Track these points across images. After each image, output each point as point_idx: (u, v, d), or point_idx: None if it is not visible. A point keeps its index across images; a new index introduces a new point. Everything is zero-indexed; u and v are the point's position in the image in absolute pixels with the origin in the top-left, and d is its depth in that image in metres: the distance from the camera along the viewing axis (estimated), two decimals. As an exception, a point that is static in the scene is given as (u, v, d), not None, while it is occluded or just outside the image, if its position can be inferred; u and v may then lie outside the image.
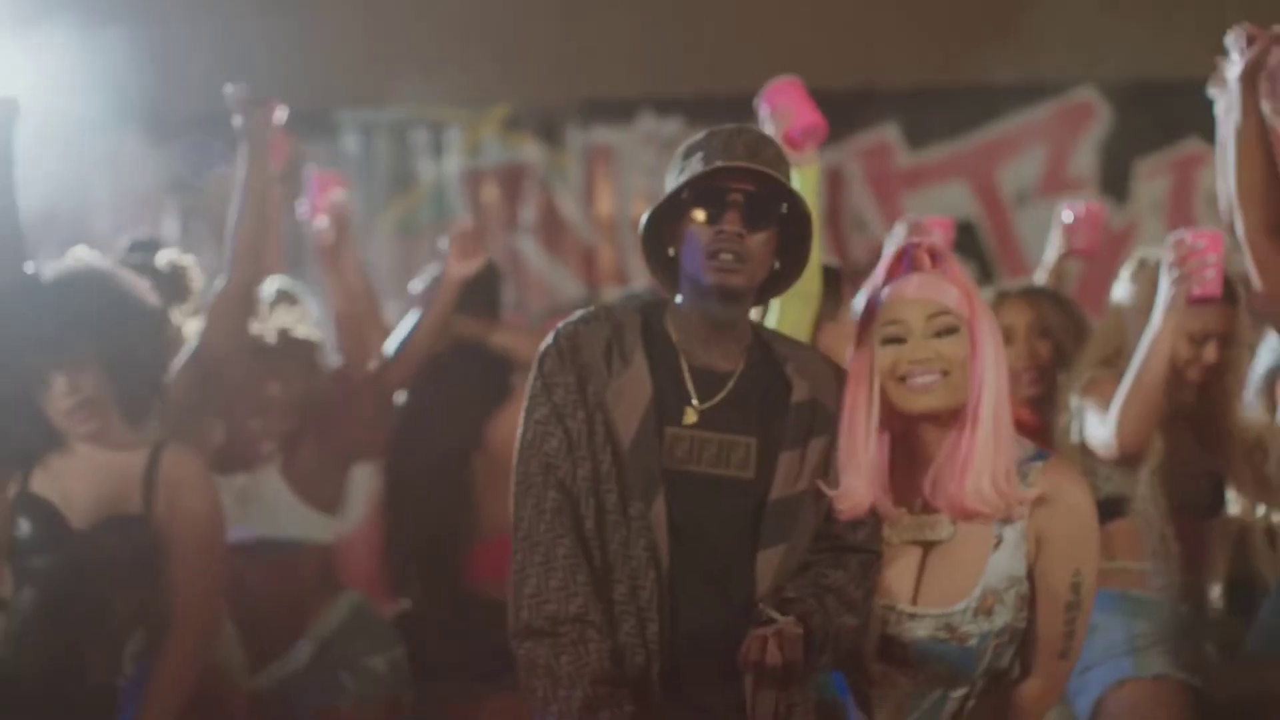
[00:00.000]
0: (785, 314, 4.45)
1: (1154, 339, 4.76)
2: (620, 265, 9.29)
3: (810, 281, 4.48)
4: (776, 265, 3.63)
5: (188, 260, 5.23)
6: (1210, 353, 4.98)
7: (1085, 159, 9.07)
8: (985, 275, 8.54)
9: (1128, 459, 4.95)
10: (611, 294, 9.09)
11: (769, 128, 4.68)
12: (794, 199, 3.57)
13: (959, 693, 3.69)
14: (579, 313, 3.72)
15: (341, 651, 5.24)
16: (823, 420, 3.62)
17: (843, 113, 8.98)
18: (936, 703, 3.70)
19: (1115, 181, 8.96)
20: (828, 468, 3.62)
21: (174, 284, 5.13)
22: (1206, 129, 5.12)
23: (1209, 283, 4.67)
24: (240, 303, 5.07)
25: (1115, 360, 5.10)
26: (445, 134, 9.27)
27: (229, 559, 4.75)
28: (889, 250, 3.79)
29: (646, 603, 3.53)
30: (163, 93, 8.50)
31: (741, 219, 3.51)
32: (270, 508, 5.24)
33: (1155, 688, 5.02)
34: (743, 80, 9.05)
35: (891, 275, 3.73)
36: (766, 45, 9.04)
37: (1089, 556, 3.68)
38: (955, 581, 3.65)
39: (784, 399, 3.61)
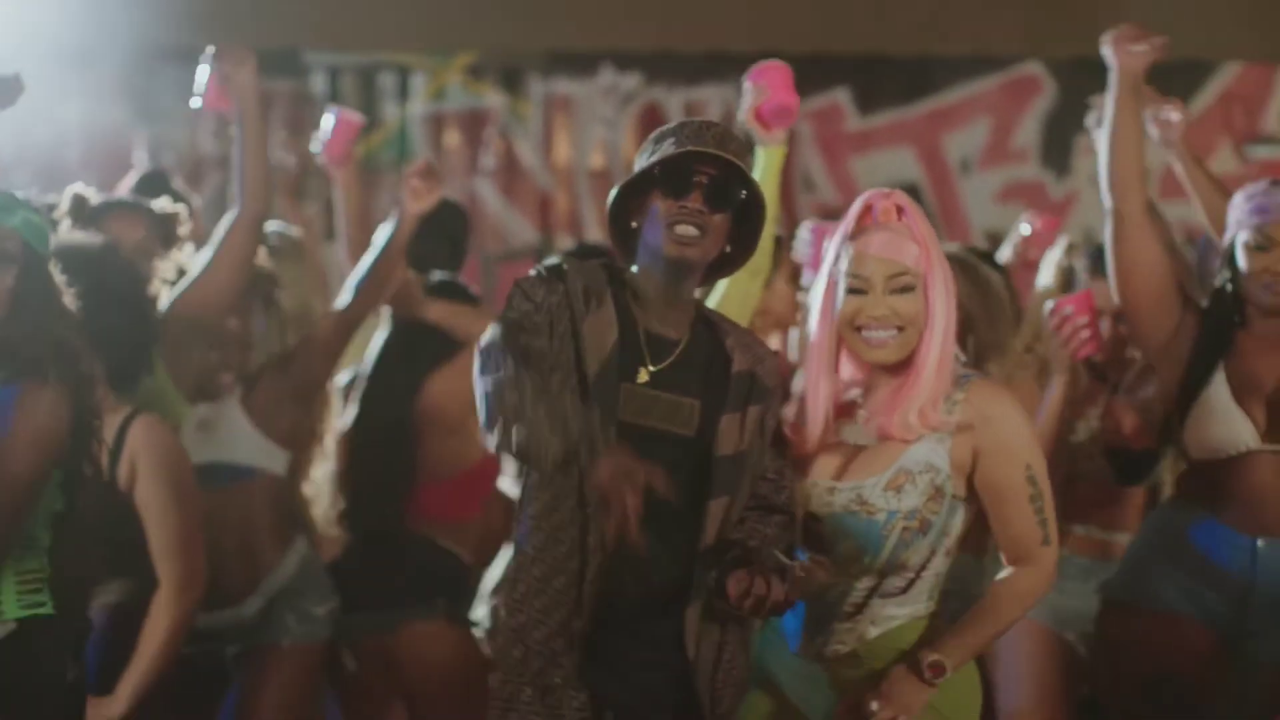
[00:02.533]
0: (734, 283, 4.74)
1: (1053, 397, 5.09)
2: (575, 213, 9.48)
3: (762, 256, 4.71)
4: (728, 249, 3.89)
5: (179, 207, 5.31)
6: (1106, 326, 5.26)
7: (1028, 131, 9.28)
8: (927, 239, 8.70)
9: None
10: (565, 241, 9.25)
11: (747, 100, 4.94)
12: (753, 188, 3.84)
13: (865, 584, 3.92)
14: (549, 259, 3.98)
15: (288, 599, 5.39)
16: (759, 392, 3.88)
17: (797, 75, 9.20)
18: (844, 592, 3.94)
19: (1056, 154, 9.17)
20: (763, 432, 3.89)
21: (164, 230, 5.25)
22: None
23: (1087, 343, 5.01)
24: (250, 234, 5.18)
25: (1035, 346, 5.39)
26: (410, 78, 9.44)
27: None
28: (859, 203, 3.99)
29: (595, 543, 3.76)
30: (134, 26, 8.61)
31: (704, 199, 3.77)
32: (229, 436, 5.36)
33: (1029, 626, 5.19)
34: (700, 40, 9.31)
35: (861, 225, 3.96)
36: (725, 7, 9.26)
37: (1032, 451, 3.92)
38: (874, 465, 3.92)
39: (725, 368, 3.87)
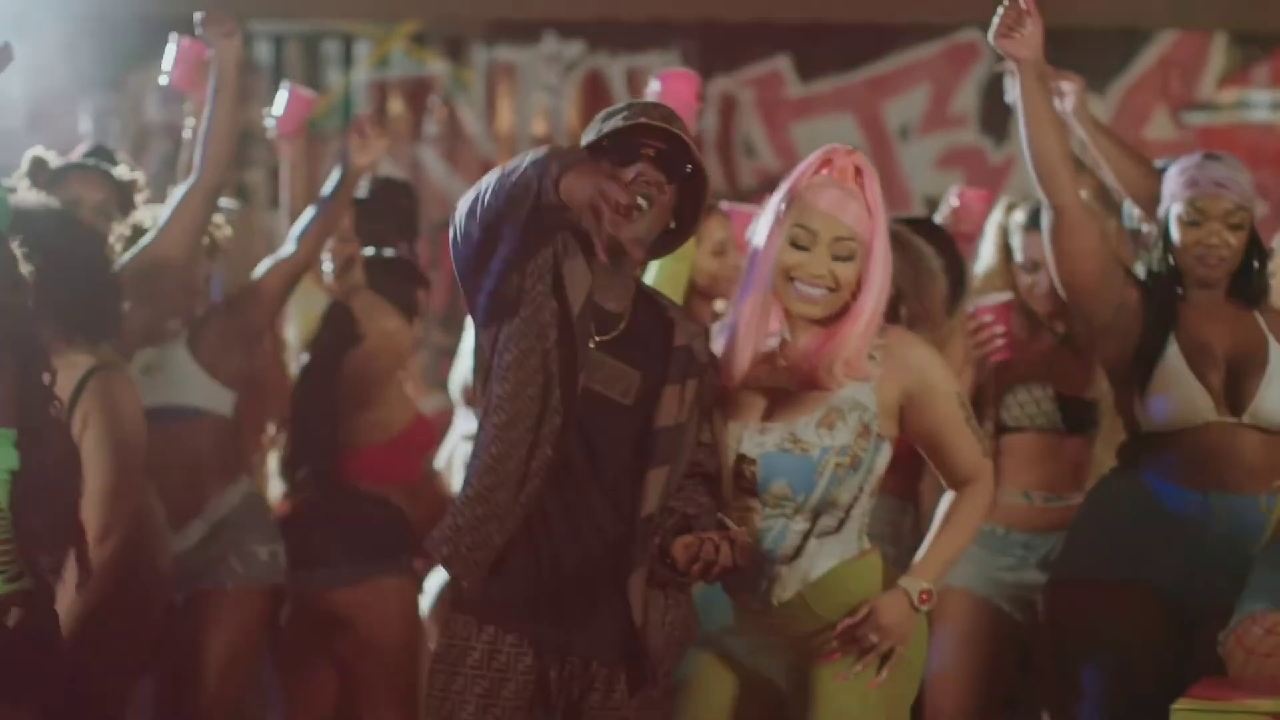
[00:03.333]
0: (663, 267, 4.84)
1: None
2: (518, 180, 9.52)
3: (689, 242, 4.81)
4: (672, 224, 3.97)
5: (138, 175, 5.37)
6: (1044, 280, 5.35)
7: (967, 97, 9.36)
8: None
9: None
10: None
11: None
12: (698, 163, 3.91)
13: (799, 525, 4.01)
14: None
15: (231, 536, 5.46)
16: (695, 366, 3.97)
17: (738, 42, 9.28)
18: (778, 535, 4.02)
19: (995, 120, 9.23)
20: (699, 403, 3.97)
21: (122, 194, 5.31)
22: (1083, 75, 5.45)
23: (1000, 350, 5.21)
24: (205, 203, 5.25)
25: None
26: (354, 46, 9.48)
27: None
28: (820, 153, 4.05)
29: (538, 466, 3.84)
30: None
31: (652, 171, 3.84)
32: (174, 377, 5.44)
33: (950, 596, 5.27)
34: (643, 8, 9.36)
35: (815, 175, 4.01)
36: (668, -25, 9.31)
37: (953, 379, 4.09)
38: (802, 406, 4.01)
39: (667, 342, 3.96)
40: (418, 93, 9.52)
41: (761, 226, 4.05)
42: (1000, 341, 5.22)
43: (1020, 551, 5.38)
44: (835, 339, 3.98)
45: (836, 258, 3.98)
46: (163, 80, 5.31)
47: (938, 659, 5.23)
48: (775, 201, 4.03)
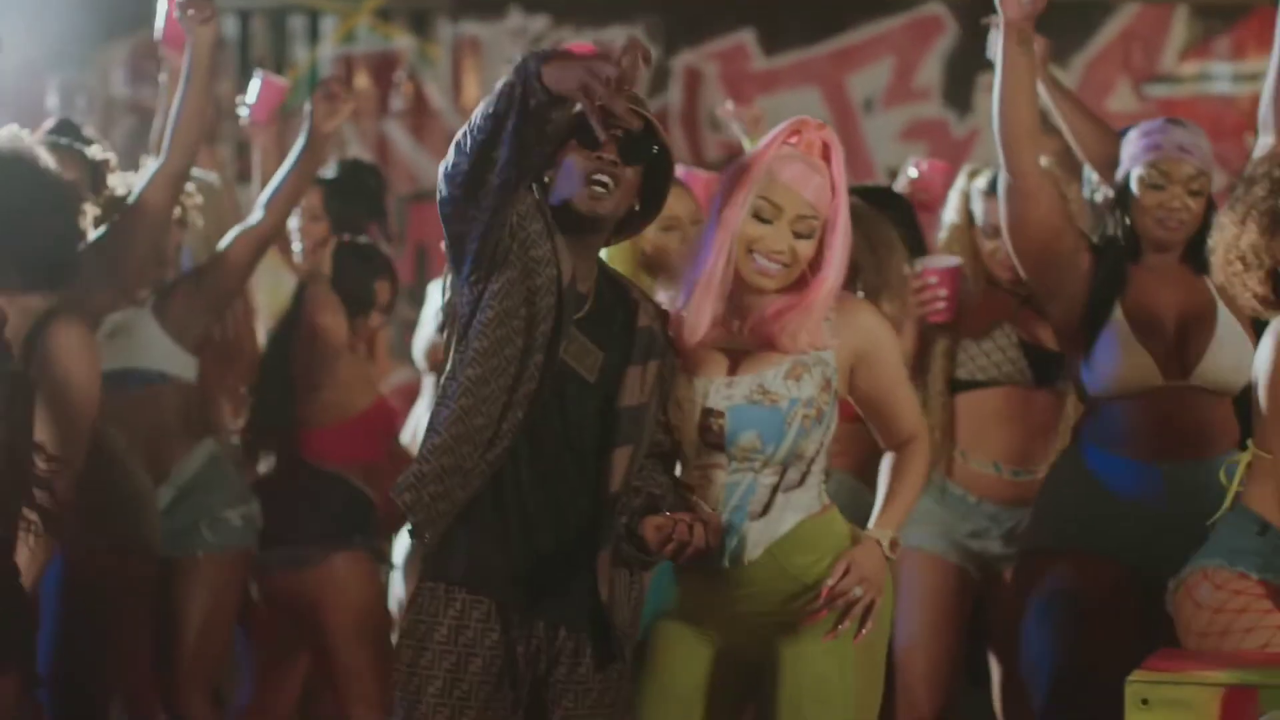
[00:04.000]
0: (613, 251, 4.89)
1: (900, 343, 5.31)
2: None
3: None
4: (635, 206, 3.99)
5: (109, 155, 5.35)
6: (1006, 245, 5.40)
7: (931, 70, 9.41)
8: (831, 178, 8.79)
9: None
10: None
11: None
12: (664, 143, 3.93)
13: (768, 479, 4.04)
14: None
15: (200, 501, 5.50)
16: (658, 347, 4.00)
17: (702, 16, 9.31)
18: (747, 490, 4.05)
19: (959, 93, 9.30)
20: (660, 384, 4.00)
21: (94, 174, 5.28)
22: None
23: (940, 312, 5.33)
24: (173, 185, 5.26)
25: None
26: (320, 21, 9.51)
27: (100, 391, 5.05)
28: (789, 124, 4.07)
29: (509, 426, 3.86)
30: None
31: (618, 151, 3.85)
32: (140, 341, 5.47)
33: (917, 558, 5.37)
34: (608, -17, 9.39)
35: (782, 146, 4.02)
36: (632, -51, 9.34)
37: (896, 341, 4.21)
38: (767, 361, 4.05)
39: (630, 322, 3.99)
40: (383, 68, 9.56)
41: (726, 189, 4.07)
42: (941, 305, 5.30)
43: (986, 522, 5.41)
44: (798, 310, 4.03)
45: (797, 234, 4.02)
46: (157, 35, 5.32)
47: (909, 619, 5.32)
48: (744, 170, 4.05)
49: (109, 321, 5.38)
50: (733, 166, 4.10)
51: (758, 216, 4.01)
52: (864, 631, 4.01)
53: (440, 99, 9.57)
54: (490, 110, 3.73)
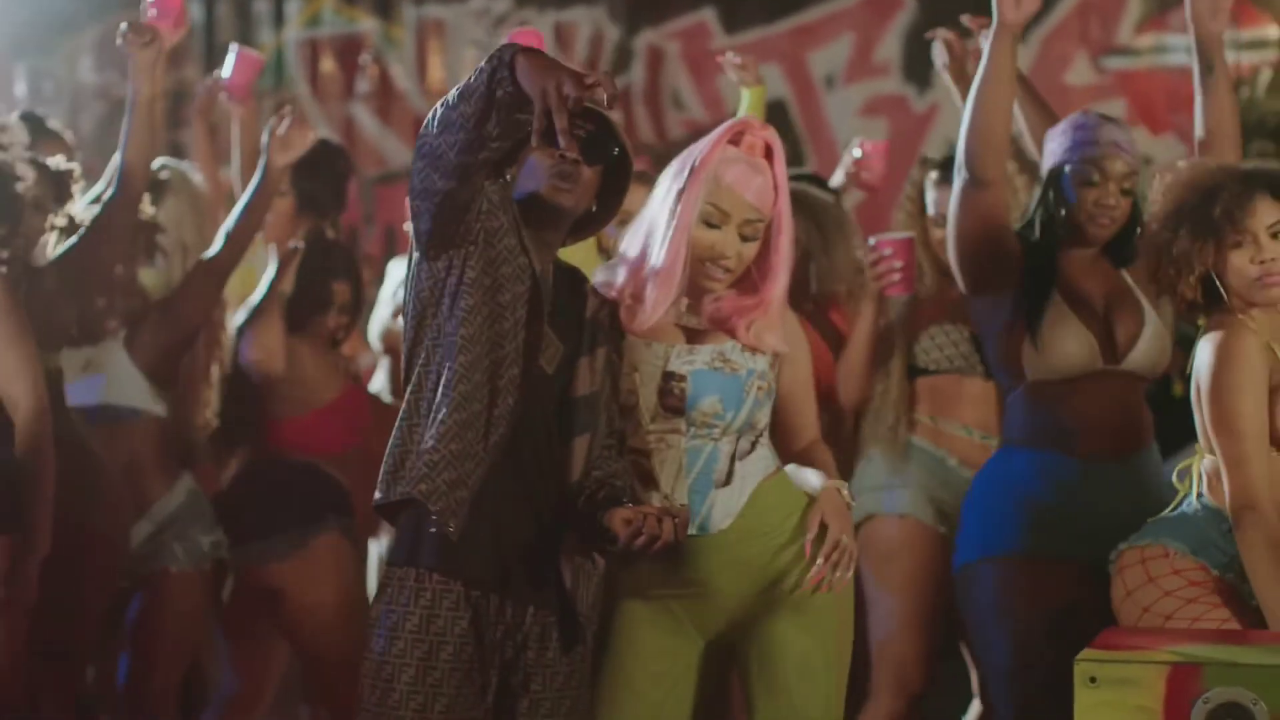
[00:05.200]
0: (574, 248, 4.97)
1: (860, 322, 5.46)
2: (448, 134, 9.56)
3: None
4: (593, 208, 4.09)
5: (74, 165, 5.35)
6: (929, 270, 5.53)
7: (890, 46, 9.44)
8: (796, 156, 8.82)
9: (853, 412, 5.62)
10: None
11: None
12: (624, 146, 4.03)
13: (726, 447, 4.15)
14: None
15: (175, 529, 5.58)
16: (603, 335, 4.10)
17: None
18: (710, 458, 4.15)
19: (918, 69, 9.31)
20: (609, 371, 4.09)
21: (58, 185, 5.27)
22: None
23: (897, 285, 5.40)
24: (125, 214, 5.30)
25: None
26: (285, 4, 9.53)
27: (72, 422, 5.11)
28: (729, 125, 4.16)
29: (499, 410, 3.95)
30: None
31: (580, 150, 3.93)
32: (113, 377, 5.51)
33: (900, 525, 5.52)
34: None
35: (725, 147, 4.12)
36: (594, -69, 9.36)
37: (809, 353, 4.35)
38: (720, 338, 4.18)
39: (580, 313, 4.09)
40: (348, 50, 9.58)
41: (678, 187, 4.13)
42: (897, 276, 5.36)
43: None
44: (759, 311, 4.16)
45: (744, 237, 4.13)
46: (152, 13, 5.35)
47: (903, 597, 5.47)
48: (684, 171, 4.13)
49: (81, 354, 5.44)
50: (680, 160, 4.16)
51: (706, 223, 4.11)
52: (849, 575, 4.10)
53: (405, 81, 9.60)
54: (463, 89, 3.81)
